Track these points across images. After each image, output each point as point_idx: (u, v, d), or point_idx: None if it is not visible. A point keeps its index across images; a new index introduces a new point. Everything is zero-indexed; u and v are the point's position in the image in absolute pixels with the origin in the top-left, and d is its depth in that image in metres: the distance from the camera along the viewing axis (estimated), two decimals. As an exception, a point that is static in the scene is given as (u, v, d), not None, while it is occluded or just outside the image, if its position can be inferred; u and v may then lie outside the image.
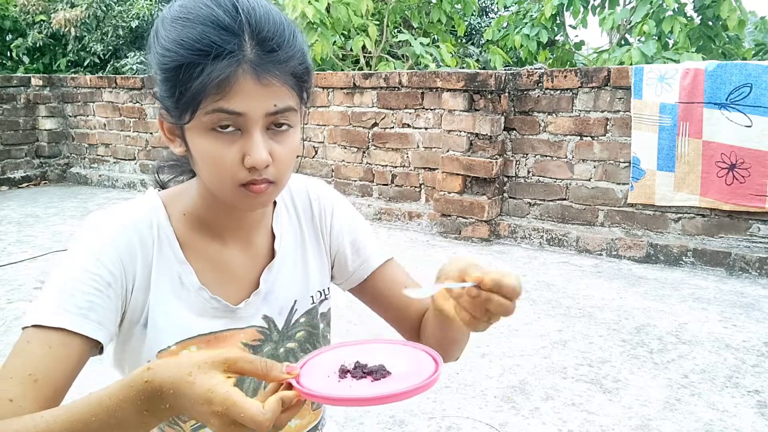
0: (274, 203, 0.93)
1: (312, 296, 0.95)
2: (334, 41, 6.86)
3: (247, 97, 0.71)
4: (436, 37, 7.92)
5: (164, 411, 0.64)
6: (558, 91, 4.08)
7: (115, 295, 0.79)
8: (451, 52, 6.76)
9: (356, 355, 0.73)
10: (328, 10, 6.13)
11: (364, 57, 7.08)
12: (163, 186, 0.96)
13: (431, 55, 6.52)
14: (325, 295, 0.97)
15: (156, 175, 0.97)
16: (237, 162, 0.74)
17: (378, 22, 7.12)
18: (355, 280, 0.98)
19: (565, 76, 4.02)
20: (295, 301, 0.93)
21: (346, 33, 6.89)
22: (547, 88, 4.11)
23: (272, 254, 0.92)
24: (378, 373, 0.69)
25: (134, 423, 0.65)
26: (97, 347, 0.77)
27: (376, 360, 0.71)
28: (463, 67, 7.47)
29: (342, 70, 6.97)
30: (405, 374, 0.69)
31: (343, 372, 0.69)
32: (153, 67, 0.76)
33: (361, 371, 0.69)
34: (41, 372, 0.71)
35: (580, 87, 3.99)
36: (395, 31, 7.58)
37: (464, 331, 0.88)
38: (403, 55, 7.27)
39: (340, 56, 7.47)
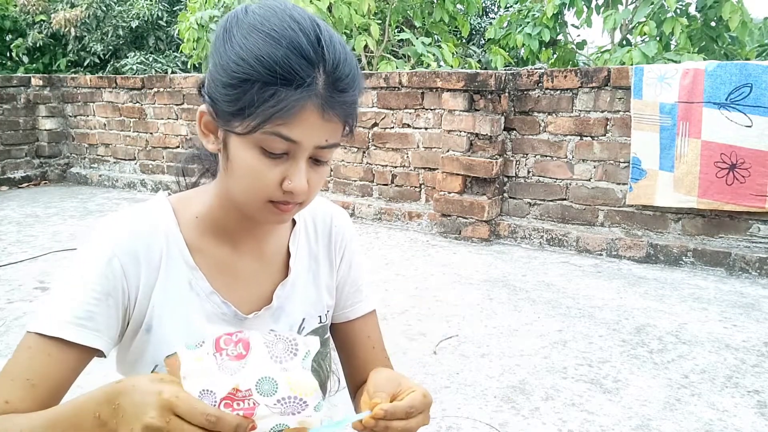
0: (293, 222, 0.95)
1: (320, 315, 0.96)
2: (336, 41, 6.84)
3: (306, 129, 0.73)
4: (438, 37, 7.91)
5: (113, 413, 0.64)
6: (558, 91, 4.08)
7: (116, 305, 0.80)
8: (453, 52, 6.75)
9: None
10: (329, 9, 6.12)
11: (366, 56, 7.08)
12: (187, 186, 0.97)
13: (433, 55, 6.52)
14: (329, 315, 0.99)
15: (182, 175, 0.98)
16: (276, 183, 0.76)
17: (380, 21, 7.11)
18: (342, 317, 1.01)
19: (565, 76, 4.02)
20: (304, 319, 0.94)
21: (347, 32, 6.89)
22: (547, 88, 4.11)
23: (286, 271, 0.93)
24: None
25: (88, 427, 0.67)
26: (96, 352, 0.80)
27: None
28: (465, 67, 7.47)
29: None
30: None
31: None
32: (216, 67, 0.74)
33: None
34: (38, 377, 0.76)
35: (580, 87, 3.98)
36: (397, 30, 7.57)
37: None
38: (404, 55, 7.26)
39: None
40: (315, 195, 0.82)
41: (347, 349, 1.01)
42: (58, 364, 0.76)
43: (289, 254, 0.93)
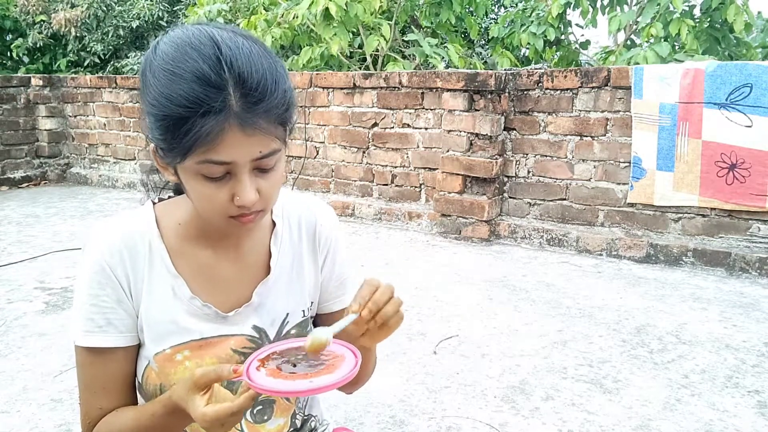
0: (274, 223, 0.99)
1: (303, 310, 1.00)
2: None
3: (234, 148, 0.75)
4: (445, 37, 7.88)
5: (189, 418, 0.81)
6: (558, 91, 4.08)
7: (128, 306, 0.90)
8: (458, 53, 6.72)
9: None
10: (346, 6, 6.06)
11: (371, 56, 7.04)
12: (153, 186, 1.02)
13: (440, 56, 6.50)
14: (312, 308, 1.04)
15: (146, 177, 1.02)
16: (227, 201, 0.80)
17: (388, 21, 7.07)
18: (325, 309, 1.06)
19: (565, 76, 4.02)
20: (288, 314, 0.98)
21: (355, 30, 6.85)
22: (547, 88, 4.11)
23: (267, 270, 0.97)
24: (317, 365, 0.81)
25: (178, 424, 0.87)
26: (132, 344, 0.93)
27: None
28: (469, 68, 7.44)
29: (349, 68, 6.93)
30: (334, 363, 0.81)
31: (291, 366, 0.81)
32: (145, 108, 0.80)
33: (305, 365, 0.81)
34: (106, 382, 0.91)
35: (580, 87, 3.98)
36: (403, 30, 7.53)
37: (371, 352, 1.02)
38: (410, 55, 7.23)
39: (348, 53, 7.41)
40: (272, 199, 0.84)
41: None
42: (109, 366, 0.90)
43: (270, 255, 0.97)
